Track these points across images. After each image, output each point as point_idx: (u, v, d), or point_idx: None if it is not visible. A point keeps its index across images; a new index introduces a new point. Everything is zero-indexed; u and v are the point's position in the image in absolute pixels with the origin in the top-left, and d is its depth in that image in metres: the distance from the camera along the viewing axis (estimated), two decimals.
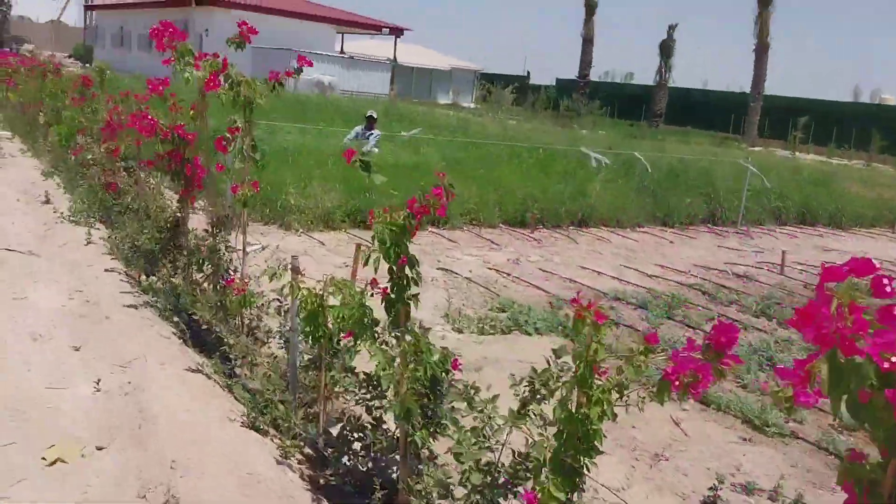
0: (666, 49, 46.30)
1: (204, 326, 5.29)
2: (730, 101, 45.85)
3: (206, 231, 5.42)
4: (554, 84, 55.56)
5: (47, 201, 8.93)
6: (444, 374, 3.00)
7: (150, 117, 5.73)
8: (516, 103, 43.91)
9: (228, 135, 4.74)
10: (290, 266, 4.00)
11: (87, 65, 48.48)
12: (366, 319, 3.17)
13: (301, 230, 9.56)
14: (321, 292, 3.48)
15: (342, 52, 39.10)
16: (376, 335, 3.23)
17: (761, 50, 41.22)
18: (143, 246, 6.25)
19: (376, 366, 3.06)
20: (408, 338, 2.98)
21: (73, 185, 9.76)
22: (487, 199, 11.02)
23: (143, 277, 6.62)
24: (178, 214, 6.18)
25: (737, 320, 7.13)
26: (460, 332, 6.27)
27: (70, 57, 53.73)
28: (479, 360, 5.64)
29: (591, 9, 50.18)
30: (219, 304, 4.96)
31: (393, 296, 3.09)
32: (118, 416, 3.86)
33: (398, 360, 3.00)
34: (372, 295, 3.23)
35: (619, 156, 13.92)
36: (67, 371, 4.39)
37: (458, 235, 10.19)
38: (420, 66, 50.50)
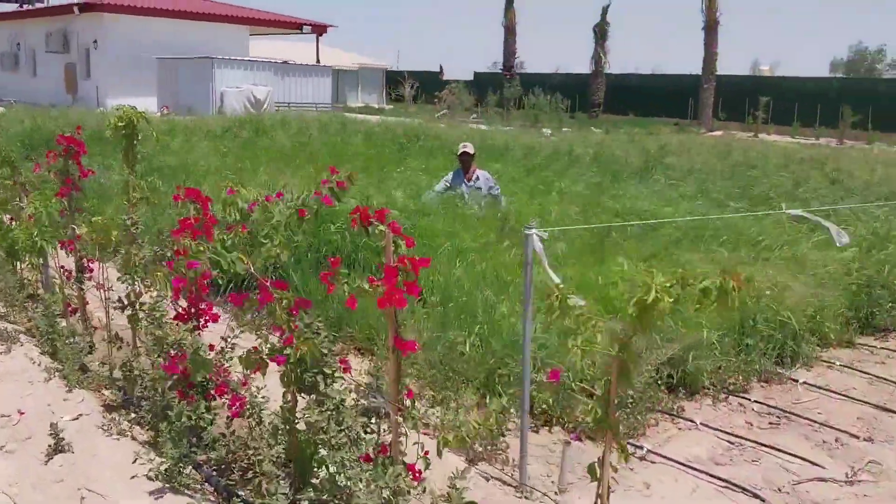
0: (601, 33, 42.95)
1: None
2: (675, 84, 42.61)
3: None
4: (472, 79, 51.21)
5: (57, 448, 3.73)
6: None
7: None
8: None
9: None
10: None
11: None
12: None
13: None
14: None
15: (248, 55, 33.24)
16: None
17: (710, 28, 38.43)
18: None
19: None
20: None
21: (77, 364, 4.64)
22: (832, 302, 5.95)
23: None
24: None
25: None
26: None
27: None
28: None
29: None
30: None
31: None
32: None
33: None
34: None
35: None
36: None
37: (849, 383, 5.42)
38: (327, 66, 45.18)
